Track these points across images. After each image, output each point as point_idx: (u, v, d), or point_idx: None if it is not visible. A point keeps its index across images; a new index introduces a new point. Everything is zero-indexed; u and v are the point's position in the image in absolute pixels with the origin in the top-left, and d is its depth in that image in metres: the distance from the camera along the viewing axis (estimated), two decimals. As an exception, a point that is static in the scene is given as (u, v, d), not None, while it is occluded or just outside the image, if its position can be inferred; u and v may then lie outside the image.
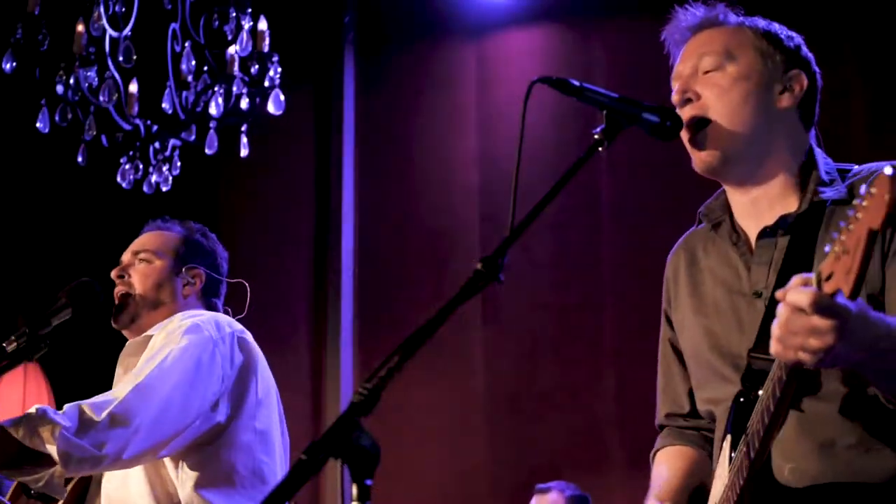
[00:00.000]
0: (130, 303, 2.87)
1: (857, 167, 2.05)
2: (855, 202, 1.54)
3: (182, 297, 2.91)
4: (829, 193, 1.98)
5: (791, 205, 2.02)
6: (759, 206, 2.05)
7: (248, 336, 2.83)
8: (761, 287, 2.00)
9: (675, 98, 2.06)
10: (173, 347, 2.65)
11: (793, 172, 2.04)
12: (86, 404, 2.54)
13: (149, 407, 2.56)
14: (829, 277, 1.57)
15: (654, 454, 2.29)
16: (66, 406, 2.55)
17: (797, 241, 1.98)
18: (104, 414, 2.52)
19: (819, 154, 2.07)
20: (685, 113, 2.03)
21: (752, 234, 2.06)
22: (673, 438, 2.26)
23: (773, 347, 1.66)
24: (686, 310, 2.16)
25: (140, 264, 2.90)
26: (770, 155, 2.04)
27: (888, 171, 1.50)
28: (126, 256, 2.95)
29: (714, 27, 2.10)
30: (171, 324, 2.76)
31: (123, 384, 2.62)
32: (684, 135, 2.05)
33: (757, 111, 2.03)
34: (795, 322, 1.61)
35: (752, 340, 1.97)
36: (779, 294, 1.64)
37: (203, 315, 2.79)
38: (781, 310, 1.63)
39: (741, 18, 2.11)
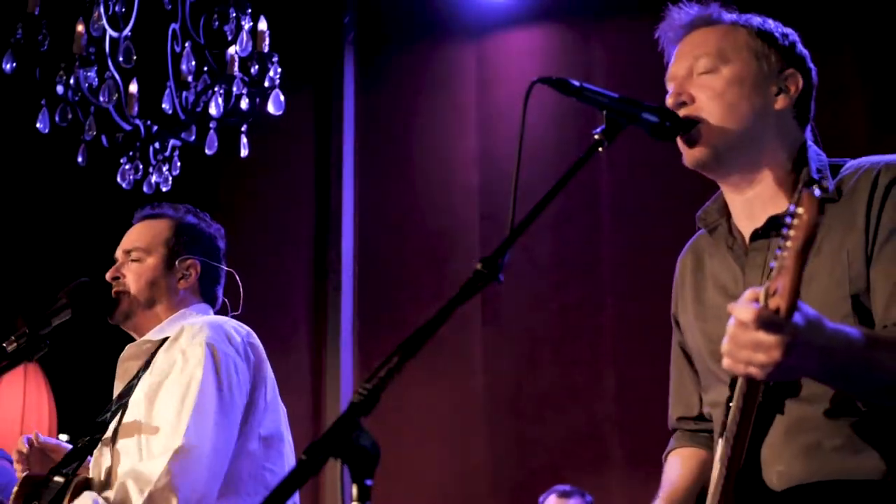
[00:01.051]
0: (124, 300, 2.83)
1: (850, 162, 2.04)
2: (788, 220, 1.57)
3: (178, 291, 2.86)
4: (816, 192, 1.98)
5: (783, 204, 2.02)
6: (753, 206, 2.05)
7: (255, 339, 2.79)
8: None
9: (669, 100, 2.05)
10: (198, 379, 2.59)
11: (786, 171, 2.04)
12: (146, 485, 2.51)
13: (200, 468, 2.54)
14: (775, 293, 1.59)
15: (666, 455, 2.30)
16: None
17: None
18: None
19: (812, 151, 2.06)
20: (680, 113, 2.03)
21: (748, 236, 2.06)
22: (685, 441, 2.27)
23: (724, 361, 1.67)
24: (690, 314, 2.17)
25: (132, 263, 2.86)
26: (764, 155, 2.03)
27: (816, 191, 1.52)
28: (119, 254, 2.90)
29: (708, 26, 2.09)
30: (182, 338, 2.69)
31: (167, 437, 2.55)
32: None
33: (751, 114, 2.02)
34: (741, 337, 1.62)
35: None
36: (729, 307, 1.65)
37: (210, 324, 2.72)
38: (730, 324, 1.64)
39: (735, 17, 2.10)
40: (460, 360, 5.59)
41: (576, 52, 5.74)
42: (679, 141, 2.04)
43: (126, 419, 2.69)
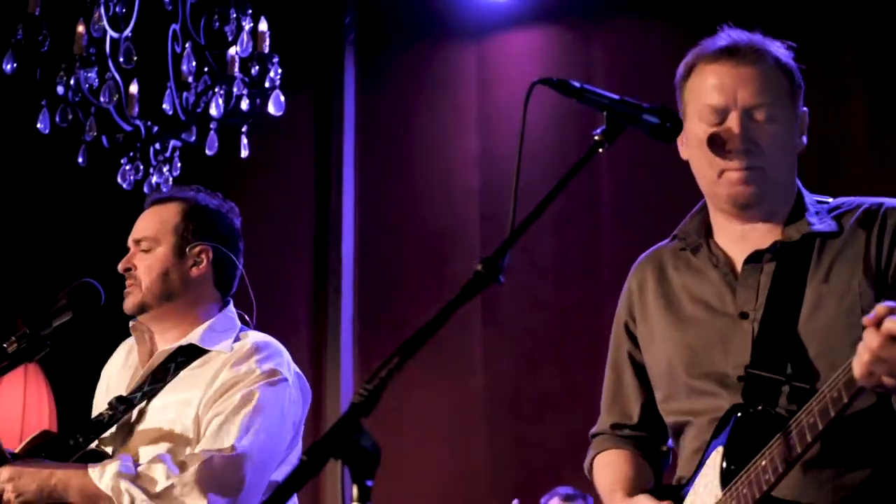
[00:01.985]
0: (136, 292, 2.77)
1: (832, 201, 2.13)
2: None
3: (191, 279, 2.80)
4: (820, 227, 2.07)
5: (776, 232, 2.10)
6: (748, 234, 2.12)
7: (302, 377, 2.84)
8: (749, 308, 2.06)
9: (737, 145, 2.05)
10: (257, 399, 2.60)
11: (790, 206, 2.12)
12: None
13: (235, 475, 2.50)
14: None
15: (593, 459, 2.32)
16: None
17: (786, 267, 2.04)
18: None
19: (800, 185, 2.15)
20: (746, 161, 2.05)
21: (735, 257, 2.12)
22: (613, 443, 2.30)
23: (858, 371, 1.72)
24: (658, 325, 2.20)
25: (143, 254, 2.80)
26: (788, 195, 2.12)
27: None
28: (130, 244, 2.84)
29: (756, 65, 2.09)
30: (246, 364, 2.68)
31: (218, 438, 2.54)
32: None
33: (791, 158, 2.12)
34: (889, 349, 1.67)
35: (741, 358, 2.03)
36: (867, 321, 1.70)
37: (272, 347, 2.76)
38: (873, 337, 1.69)
39: (775, 52, 2.11)
40: (460, 360, 5.59)
41: (576, 53, 5.74)
42: (732, 173, 2.07)
43: (157, 413, 2.68)
